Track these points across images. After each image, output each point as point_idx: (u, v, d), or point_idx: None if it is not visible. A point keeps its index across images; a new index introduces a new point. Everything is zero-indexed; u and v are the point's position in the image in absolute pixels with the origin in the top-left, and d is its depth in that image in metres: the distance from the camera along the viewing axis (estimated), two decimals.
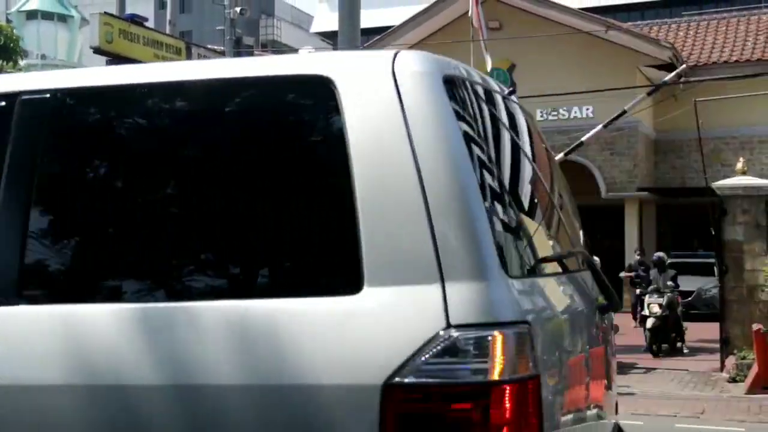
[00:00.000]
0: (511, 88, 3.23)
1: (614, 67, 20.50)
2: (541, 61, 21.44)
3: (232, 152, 2.26)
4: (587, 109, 21.28)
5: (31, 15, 57.32)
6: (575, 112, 21.54)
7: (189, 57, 12.71)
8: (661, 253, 14.98)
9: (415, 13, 22.51)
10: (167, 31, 13.45)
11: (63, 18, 59.05)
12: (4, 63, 18.62)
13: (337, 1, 17.85)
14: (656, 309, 13.65)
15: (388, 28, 24.23)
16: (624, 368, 11.29)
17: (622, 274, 18.34)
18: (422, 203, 1.99)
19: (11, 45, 17.93)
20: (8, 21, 20.58)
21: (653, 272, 14.58)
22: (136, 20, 11.92)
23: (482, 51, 17.15)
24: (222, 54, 14.76)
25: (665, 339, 13.80)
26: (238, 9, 18.72)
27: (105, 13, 11.68)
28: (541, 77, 21.25)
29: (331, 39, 37.86)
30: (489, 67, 17.80)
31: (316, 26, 41.84)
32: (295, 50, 37.69)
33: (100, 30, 11.24)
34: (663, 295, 13.83)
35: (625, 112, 13.26)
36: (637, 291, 15.95)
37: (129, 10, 12.41)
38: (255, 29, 20.91)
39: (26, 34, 40.91)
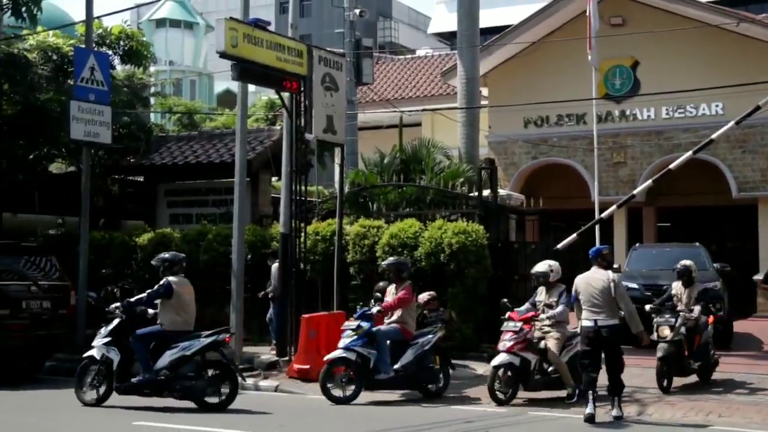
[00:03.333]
0: None
1: (745, 61, 19.60)
2: (666, 57, 20.73)
3: None
4: (716, 106, 20.42)
5: (160, 23, 59.71)
6: (703, 109, 20.70)
7: (310, 59, 12.86)
8: (687, 262, 11.88)
9: (534, 12, 22.15)
10: (289, 35, 13.65)
11: (189, 25, 61.24)
12: (136, 68, 19.43)
13: (456, 2, 17.94)
14: (667, 332, 11.06)
15: (506, 27, 23.95)
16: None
17: (756, 277, 17.51)
18: None
19: (143, 52, 18.69)
20: (139, 29, 21.40)
21: (676, 285, 11.83)
22: (260, 24, 12.15)
23: (589, 51, 16.76)
24: (342, 56, 14.90)
25: (681, 370, 11.19)
26: (357, 11, 18.91)
27: (230, 18, 11.92)
28: (666, 74, 20.55)
29: (448, 40, 37.75)
30: (596, 67, 17.42)
31: (434, 27, 41.76)
32: (412, 51, 37.80)
33: (225, 35, 11.48)
34: (677, 315, 11.22)
35: (759, 107, 12.67)
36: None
37: (251, 16, 12.65)
38: (373, 31, 21.10)
39: (155, 41, 42.57)
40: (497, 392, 10.40)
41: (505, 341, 10.56)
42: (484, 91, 22.34)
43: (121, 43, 18.30)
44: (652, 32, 20.22)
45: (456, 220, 14.47)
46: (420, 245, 13.85)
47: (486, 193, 14.78)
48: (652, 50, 20.82)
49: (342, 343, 10.72)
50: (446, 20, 36.91)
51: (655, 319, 11.28)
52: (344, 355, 10.59)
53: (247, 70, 12.12)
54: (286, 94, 13.45)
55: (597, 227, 15.00)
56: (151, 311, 10.41)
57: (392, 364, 10.69)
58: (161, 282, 10.32)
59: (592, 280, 9.64)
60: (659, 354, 10.90)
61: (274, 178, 18.19)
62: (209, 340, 9.99)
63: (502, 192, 16.02)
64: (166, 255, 10.74)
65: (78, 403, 10.21)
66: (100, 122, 14.23)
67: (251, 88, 17.00)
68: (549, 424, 9.47)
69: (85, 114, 14.00)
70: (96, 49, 15.81)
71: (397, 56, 33.54)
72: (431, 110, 23.40)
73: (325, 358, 10.80)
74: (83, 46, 15.02)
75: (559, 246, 13.71)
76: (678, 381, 11.22)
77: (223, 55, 11.69)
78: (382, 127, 24.16)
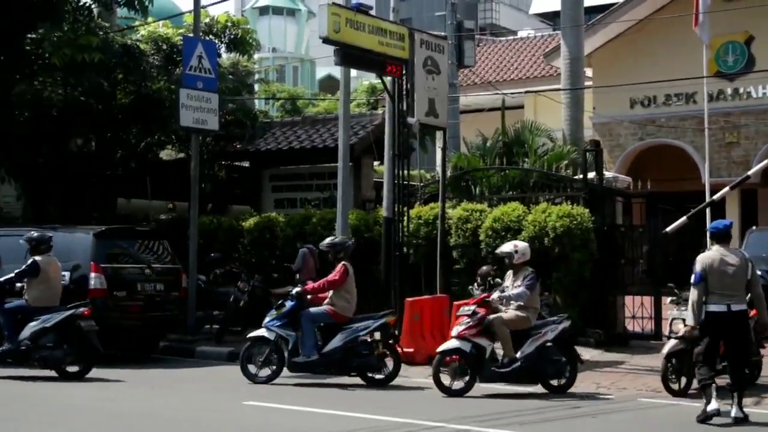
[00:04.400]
0: None
1: None
2: None
3: None
4: None
5: (264, 11, 60.78)
6: None
7: (412, 43, 12.85)
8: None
9: None
10: (390, 19, 13.67)
11: (292, 12, 62.14)
12: (241, 56, 19.83)
13: None
14: (680, 326, 9.80)
15: (611, 5, 23.37)
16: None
17: None
18: None
19: (248, 39, 19.05)
20: (243, 17, 21.83)
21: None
22: (362, 9, 12.22)
23: (695, 28, 16.16)
24: (444, 39, 14.83)
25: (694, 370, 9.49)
26: None
27: (333, 3, 12.03)
28: None
29: (551, 20, 37.13)
30: (706, 43, 16.78)
31: (536, 7, 41.16)
32: (513, 33, 37.32)
33: (328, 20, 11.59)
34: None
35: None
36: None
37: (353, 1, 12.73)
38: (474, 13, 20.88)
39: (259, 29, 43.29)
40: (442, 381, 9.85)
41: (457, 326, 10.06)
42: (588, 72, 21.88)
43: (227, 31, 18.66)
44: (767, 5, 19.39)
45: (560, 203, 14.24)
46: (524, 229, 13.70)
47: (591, 175, 14.50)
48: (767, 24, 19.97)
49: (454, 331, 10.23)
50: (548, 0, 36.27)
51: (669, 312, 10.39)
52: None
53: (349, 55, 12.21)
54: (388, 79, 13.49)
55: (708, 210, 14.53)
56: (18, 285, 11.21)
57: (323, 347, 10.42)
58: (28, 261, 11.14)
59: (724, 259, 8.59)
60: (664, 350, 9.91)
61: (376, 163, 18.30)
62: (68, 313, 10.86)
63: (607, 174, 15.67)
64: (34, 234, 11.50)
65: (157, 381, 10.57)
66: (208, 109, 14.56)
67: (353, 73, 17.12)
68: (658, 412, 9.27)
69: (193, 101, 14.36)
70: (203, 38, 16.19)
71: (498, 38, 33.19)
72: (534, 92, 23.08)
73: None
74: (191, 35, 15.40)
75: (668, 229, 13.35)
76: None
77: (326, 40, 11.79)
78: (484, 110, 24.01)
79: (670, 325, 10.14)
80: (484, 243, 13.93)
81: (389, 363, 10.63)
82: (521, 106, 24.90)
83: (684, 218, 12.91)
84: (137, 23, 18.64)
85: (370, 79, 36.26)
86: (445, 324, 12.11)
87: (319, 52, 30.75)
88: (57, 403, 9.45)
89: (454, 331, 10.13)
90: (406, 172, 13.42)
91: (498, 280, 11.42)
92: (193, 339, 14.00)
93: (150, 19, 18.10)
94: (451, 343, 10.05)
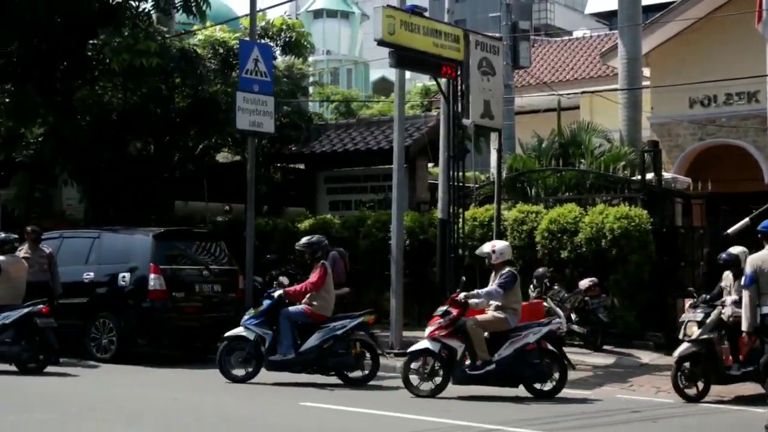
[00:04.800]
0: None
1: None
2: None
3: None
4: None
5: (318, 14, 61.17)
6: None
7: (467, 44, 12.80)
8: (736, 250, 10.36)
9: None
10: (445, 20, 13.64)
11: (345, 15, 62.43)
12: (295, 59, 19.98)
13: None
14: (694, 329, 9.69)
15: (669, 4, 22.98)
16: None
17: None
18: None
19: (303, 42, 19.18)
20: (298, 20, 21.98)
21: (726, 276, 10.30)
22: (417, 11, 12.21)
23: (758, 26, 15.76)
24: (499, 40, 14.75)
25: (717, 376, 9.72)
26: None
27: (388, 6, 12.04)
28: None
29: (607, 19, 36.68)
30: None
31: (592, 7, 40.69)
32: (569, 33, 36.97)
33: (383, 23, 11.59)
34: (711, 308, 9.79)
35: None
36: None
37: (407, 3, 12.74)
38: (528, 14, 20.70)
39: (313, 31, 43.53)
40: (411, 382, 9.76)
41: (430, 326, 9.88)
42: (646, 72, 21.54)
43: (282, 34, 18.82)
44: None
45: (618, 204, 14.08)
46: (580, 230, 13.56)
47: (649, 176, 14.29)
48: None
49: (426, 331, 10.06)
50: (604, 0, 35.86)
51: (683, 316, 10.05)
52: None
53: (404, 57, 12.21)
54: (442, 80, 13.45)
55: None
56: None
57: (300, 346, 10.45)
58: None
59: None
60: (675, 353, 9.68)
61: (430, 164, 18.26)
62: (26, 310, 11.19)
63: (666, 175, 15.45)
64: (1, 235, 11.89)
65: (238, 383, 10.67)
66: (264, 112, 14.67)
67: (407, 74, 17.12)
68: (721, 418, 9.08)
69: (249, 104, 14.48)
70: (259, 41, 16.34)
71: (553, 38, 32.89)
72: (590, 92, 22.80)
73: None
74: (247, 38, 15.55)
75: (729, 231, 13.10)
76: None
77: (380, 42, 11.81)
78: (539, 111, 23.77)
79: (684, 327, 9.82)
80: (540, 245, 13.82)
81: (368, 362, 10.60)
82: (577, 107, 24.61)
83: (746, 219, 12.65)
84: (195, 27, 18.89)
85: (424, 80, 36.24)
86: None
87: (373, 55, 30.81)
88: (129, 402, 9.62)
89: (426, 332, 9.99)
90: (461, 173, 13.37)
91: (547, 282, 11.32)
92: None
93: (207, 24, 18.34)
94: (421, 344, 9.94)
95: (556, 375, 9.80)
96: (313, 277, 10.71)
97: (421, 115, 20.00)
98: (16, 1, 14.99)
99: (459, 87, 12.95)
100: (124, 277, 12.70)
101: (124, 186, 17.20)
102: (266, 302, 10.79)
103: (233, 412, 9.02)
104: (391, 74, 15.25)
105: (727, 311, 9.79)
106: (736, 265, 10.05)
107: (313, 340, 10.47)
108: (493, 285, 9.99)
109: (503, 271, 10.04)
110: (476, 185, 16.48)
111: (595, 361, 12.37)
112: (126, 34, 15.84)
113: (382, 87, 53.17)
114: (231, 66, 17.60)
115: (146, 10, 16.90)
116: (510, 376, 9.77)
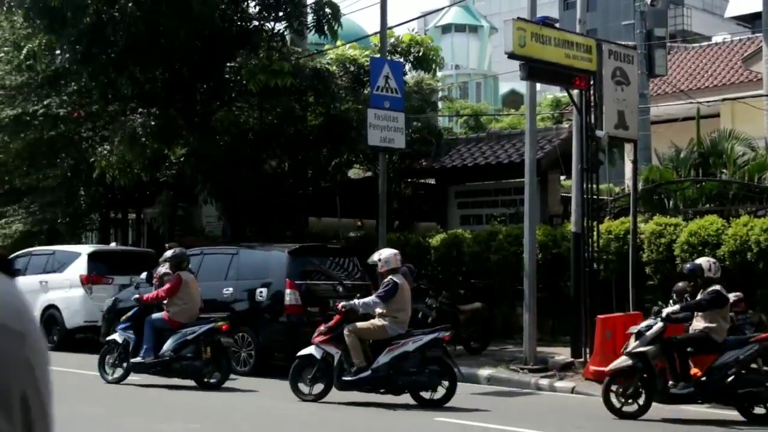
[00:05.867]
0: None
1: None
2: None
3: None
4: None
5: (446, 29, 61.42)
6: None
7: (600, 54, 12.54)
8: (700, 261, 9.96)
9: None
10: (576, 30, 13.40)
11: (474, 29, 62.41)
12: (425, 74, 20.09)
13: None
14: (631, 341, 9.40)
15: None
16: None
17: None
18: None
19: (433, 57, 19.28)
20: (427, 36, 22.12)
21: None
22: (548, 22, 12.06)
23: None
24: (633, 49, 14.38)
25: (660, 393, 9.17)
26: (648, 1, 18.16)
27: (518, 18, 11.94)
28: None
29: (749, 22, 35.15)
30: None
31: (732, 10, 39.10)
32: (707, 38, 35.65)
33: (513, 35, 11.50)
34: (656, 319, 9.37)
35: None
36: None
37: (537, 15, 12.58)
38: (663, 20, 20.08)
39: (442, 46, 43.70)
40: (299, 388, 10.08)
41: (314, 333, 10.13)
42: None
43: (412, 50, 18.98)
44: None
45: (764, 216, 13.42)
46: (723, 243, 13.00)
47: None
48: None
49: (626, 347, 9.74)
50: (746, 2, 34.38)
51: (630, 329, 9.58)
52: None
53: (535, 70, 12.07)
54: (574, 92, 13.22)
55: None
56: None
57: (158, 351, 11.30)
58: None
59: None
60: (610, 366, 9.35)
61: (563, 177, 17.96)
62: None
63: None
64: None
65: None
66: (395, 128, 14.80)
67: (537, 86, 16.92)
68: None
69: (380, 121, 14.65)
70: (389, 57, 16.51)
71: (691, 44, 31.78)
72: (732, 99, 21.89)
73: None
74: (378, 55, 15.73)
75: None
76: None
77: (511, 55, 11.71)
78: (677, 120, 22.97)
79: (630, 339, 9.45)
80: (680, 258, 13.33)
81: (217, 367, 11.30)
82: (717, 115, 23.65)
83: None
84: (326, 47, 19.29)
85: (555, 92, 35.71)
86: None
87: (502, 68, 30.65)
88: (272, 414, 9.87)
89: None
90: (594, 186, 13.08)
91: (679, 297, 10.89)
92: None
93: (338, 42, 18.69)
94: (306, 350, 10.21)
95: (446, 383, 9.79)
96: (166, 286, 11.72)
97: (552, 128, 19.71)
98: (161, 29, 15.72)
99: (592, 98, 12.69)
100: (261, 292, 13.03)
101: (260, 203, 17.71)
102: (133, 309, 11.87)
103: (368, 425, 9.08)
104: (521, 87, 15.12)
105: (699, 325, 9.30)
106: (699, 275, 9.60)
107: (168, 344, 11.21)
108: (372, 295, 10.24)
109: (386, 281, 10.14)
110: (611, 198, 16.07)
111: None
112: (261, 55, 16.35)
113: (512, 100, 52.75)
114: (362, 83, 17.87)
115: (280, 31, 17.39)
116: (387, 383, 9.87)
